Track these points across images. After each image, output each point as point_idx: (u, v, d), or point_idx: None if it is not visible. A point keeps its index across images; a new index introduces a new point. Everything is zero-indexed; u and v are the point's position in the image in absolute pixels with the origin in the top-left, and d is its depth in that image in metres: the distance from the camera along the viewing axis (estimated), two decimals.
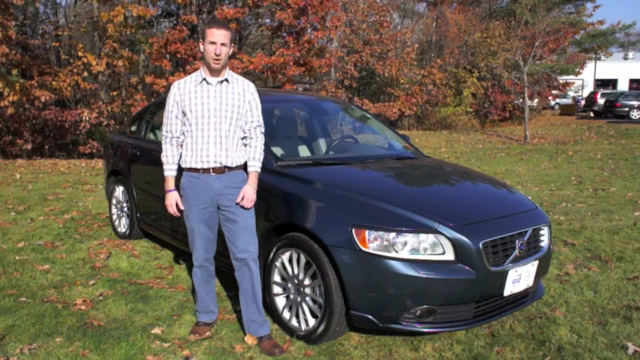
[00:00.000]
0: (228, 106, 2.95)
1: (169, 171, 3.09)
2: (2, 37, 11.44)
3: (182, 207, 3.06)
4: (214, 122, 2.94)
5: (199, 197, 3.00)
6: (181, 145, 3.07)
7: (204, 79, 2.96)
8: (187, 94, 2.96)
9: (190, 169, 3.01)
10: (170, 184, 3.09)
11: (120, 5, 12.38)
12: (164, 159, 3.09)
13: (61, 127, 14.07)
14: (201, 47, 2.94)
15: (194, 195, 3.01)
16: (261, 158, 3.09)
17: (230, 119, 2.96)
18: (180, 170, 3.10)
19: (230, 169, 3.00)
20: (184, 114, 2.98)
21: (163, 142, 3.10)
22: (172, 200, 3.07)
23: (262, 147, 3.11)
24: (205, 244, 3.11)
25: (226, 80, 2.98)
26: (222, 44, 2.87)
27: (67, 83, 12.58)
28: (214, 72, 2.95)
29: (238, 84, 3.03)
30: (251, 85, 3.09)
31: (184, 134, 3.04)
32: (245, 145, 3.09)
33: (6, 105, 11.58)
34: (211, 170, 2.97)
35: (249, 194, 2.99)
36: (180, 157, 3.09)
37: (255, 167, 3.06)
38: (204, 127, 2.94)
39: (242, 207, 2.99)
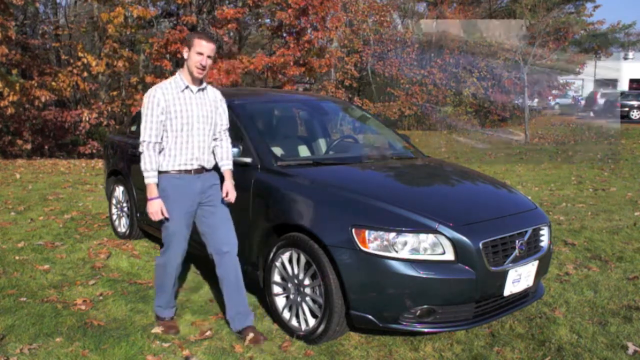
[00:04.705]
0: (208, 112, 3.15)
1: (153, 178, 3.05)
2: (2, 37, 11.42)
3: (166, 215, 3.05)
4: (197, 128, 3.09)
5: (182, 198, 3.09)
6: (160, 151, 3.07)
7: (187, 87, 3.07)
8: (171, 101, 3.04)
9: (174, 171, 3.07)
10: (154, 191, 3.05)
11: (120, 5, 12.37)
12: (146, 166, 3.02)
13: (61, 127, 14.05)
14: (185, 53, 3.06)
15: (179, 196, 3.08)
16: (231, 157, 3.30)
17: (210, 125, 3.16)
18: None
19: (207, 170, 3.18)
20: (167, 120, 3.03)
21: (143, 149, 3.03)
22: (158, 207, 3.04)
23: (231, 146, 3.32)
24: (183, 244, 3.19)
25: (204, 88, 3.16)
26: (209, 56, 3.02)
27: (66, 84, 12.57)
28: (196, 81, 3.09)
29: (211, 92, 3.23)
30: (219, 92, 3.31)
31: (161, 139, 3.06)
32: (214, 148, 3.26)
33: (6, 105, 11.55)
34: (193, 172, 3.11)
35: (231, 189, 3.18)
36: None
37: (229, 165, 3.26)
38: (189, 132, 3.07)
39: (227, 202, 3.16)
